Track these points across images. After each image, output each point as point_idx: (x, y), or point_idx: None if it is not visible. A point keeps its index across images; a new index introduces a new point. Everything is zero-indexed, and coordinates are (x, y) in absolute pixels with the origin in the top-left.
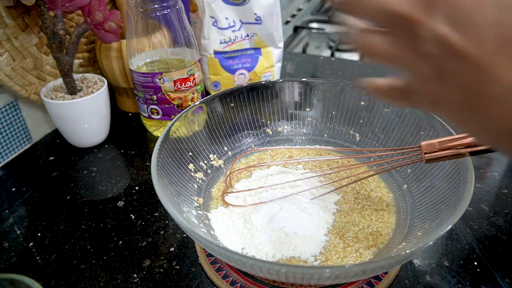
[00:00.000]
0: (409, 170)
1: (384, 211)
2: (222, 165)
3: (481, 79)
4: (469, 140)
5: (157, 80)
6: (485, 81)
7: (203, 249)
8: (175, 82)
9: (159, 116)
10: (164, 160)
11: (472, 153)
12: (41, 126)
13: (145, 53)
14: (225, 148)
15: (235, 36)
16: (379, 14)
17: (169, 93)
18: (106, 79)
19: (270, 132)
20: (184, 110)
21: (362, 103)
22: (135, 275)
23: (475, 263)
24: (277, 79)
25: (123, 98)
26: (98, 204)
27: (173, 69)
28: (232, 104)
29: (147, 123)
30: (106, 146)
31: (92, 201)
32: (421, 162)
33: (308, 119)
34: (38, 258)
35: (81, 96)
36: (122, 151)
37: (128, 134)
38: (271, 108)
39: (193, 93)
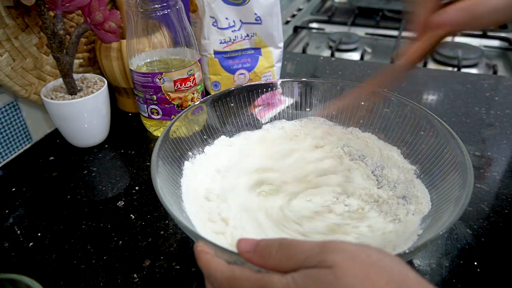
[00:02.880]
0: None
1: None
2: None
3: None
4: None
5: (157, 80)
6: None
7: None
8: (175, 82)
9: (159, 116)
10: (164, 160)
11: None
12: (41, 126)
13: (145, 53)
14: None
15: (235, 36)
16: None
17: (169, 93)
18: (106, 79)
19: None
20: (184, 110)
21: (362, 103)
22: (135, 275)
23: (475, 263)
24: (277, 79)
25: (123, 98)
26: (98, 204)
27: (173, 69)
28: (232, 104)
29: (147, 123)
30: (106, 146)
31: (92, 201)
32: None
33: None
34: (38, 258)
35: (81, 96)
36: (122, 151)
37: (128, 134)
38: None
39: (193, 93)
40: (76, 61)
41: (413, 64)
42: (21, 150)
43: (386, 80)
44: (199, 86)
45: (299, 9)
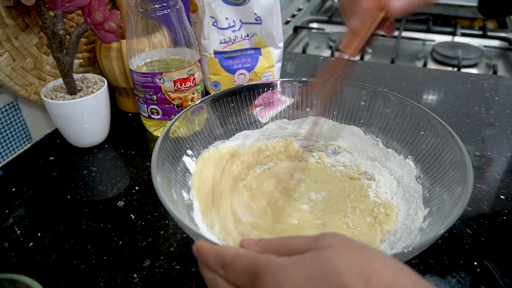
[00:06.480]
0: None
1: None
2: None
3: None
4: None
5: (157, 80)
6: None
7: None
8: (175, 82)
9: (159, 116)
10: (164, 160)
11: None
12: (41, 126)
13: (145, 53)
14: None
15: (235, 36)
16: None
17: (169, 93)
18: (106, 79)
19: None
20: (184, 110)
21: (362, 103)
22: (135, 275)
23: (475, 263)
24: (277, 79)
25: (123, 98)
26: (98, 204)
27: (173, 69)
28: (232, 104)
29: (147, 123)
30: (106, 146)
31: (92, 201)
32: None
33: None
34: (38, 258)
35: (81, 96)
36: (122, 151)
37: (128, 134)
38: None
39: (193, 93)
40: (76, 61)
41: (356, 55)
42: (21, 150)
43: (336, 73)
44: (199, 86)
45: (299, 9)
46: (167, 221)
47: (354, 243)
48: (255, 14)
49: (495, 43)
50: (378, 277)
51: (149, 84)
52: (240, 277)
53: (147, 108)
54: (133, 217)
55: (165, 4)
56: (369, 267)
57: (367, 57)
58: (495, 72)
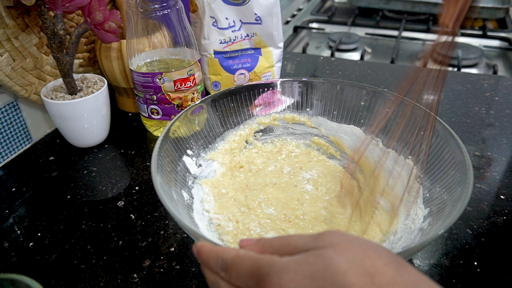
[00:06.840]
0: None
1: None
2: None
3: None
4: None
5: (157, 80)
6: None
7: None
8: (175, 82)
9: (159, 116)
10: (164, 160)
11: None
12: (41, 126)
13: (145, 53)
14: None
15: (235, 36)
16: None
17: (169, 93)
18: (106, 79)
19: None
20: (184, 110)
21: (362, 103)
22: (135, 275)
23: (475, 263)
24: (277, 79)
25: (123, 98)
26: (98, 204)
27: (173, 69)
28: (232, 104)
29: (147, 123)
30: (106, 146)
31: (92, 201)
32: None
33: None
34: (38, 258)
35: (81, 96)
36: (122, 151)
37: (128, 134)
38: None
39: (193, 93)
40: (76, 61)
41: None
42: (21, 150)
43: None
44: (199, 86)
45: (299, 9)
46: (167, 221)
47: (356, 240)
48: (255, 14)
49: (495, 43)
50: (381, 274)
51: (149, 84)
52: (243, 279)
53: (147, 108)
54: (133, 217)
55: (165, 4)
56: (372, 265)
57: (367, 57)
58: (495, 72)
